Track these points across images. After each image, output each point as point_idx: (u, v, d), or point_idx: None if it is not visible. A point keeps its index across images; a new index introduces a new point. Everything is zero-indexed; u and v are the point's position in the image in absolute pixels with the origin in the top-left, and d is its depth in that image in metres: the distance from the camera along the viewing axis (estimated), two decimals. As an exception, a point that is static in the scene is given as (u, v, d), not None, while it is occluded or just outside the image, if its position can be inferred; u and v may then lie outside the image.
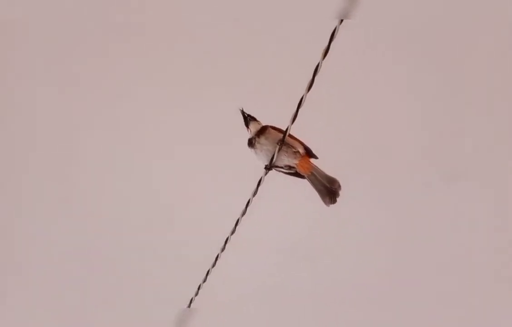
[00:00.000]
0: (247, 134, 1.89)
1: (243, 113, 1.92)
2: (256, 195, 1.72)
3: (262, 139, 1.80)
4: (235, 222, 1.83)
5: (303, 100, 1.23)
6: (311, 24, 2.36)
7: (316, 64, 1.13)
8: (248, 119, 1.91)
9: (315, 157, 1.84)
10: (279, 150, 1.70)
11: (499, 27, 2.52)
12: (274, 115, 1.80)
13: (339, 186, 1.81)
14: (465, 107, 2.63)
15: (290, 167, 1.83)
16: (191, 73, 2.71)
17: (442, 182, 2.70)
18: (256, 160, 1.83)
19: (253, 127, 1.87)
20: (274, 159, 1.71)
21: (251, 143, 1.85)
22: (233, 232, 1.84)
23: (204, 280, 2.04)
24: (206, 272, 2.02)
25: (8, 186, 2.84)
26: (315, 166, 1.83)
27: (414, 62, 2.61)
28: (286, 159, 1.78)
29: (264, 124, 1.89)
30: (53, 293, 2.93)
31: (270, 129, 1.83)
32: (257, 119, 1.91)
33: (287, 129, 1.43)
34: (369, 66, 2.52)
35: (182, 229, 2.90)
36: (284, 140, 1.67)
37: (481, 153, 2.66)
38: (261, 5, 2.51)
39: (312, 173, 1.82)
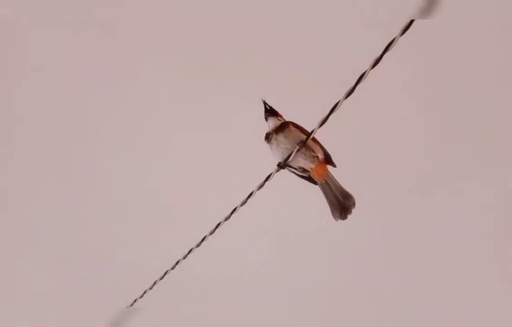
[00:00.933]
0: (249, 135, 1.87)
1: (265, 104, 1.86)
2: (261, 190, 1.64)
3: (281, 137, 1.73)
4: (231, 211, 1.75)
5: (338, 105, 1.21)
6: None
7: (361, 72, 1.12)
8: (269, 112, 1.84)
9: (333, 165, 1.77)
10: (298, 150, 1.64)
11: (499, 27, 2.54)
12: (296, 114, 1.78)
13: (354, 203, 1.74)
14: (465, 107, 2.65)
15: (304, 170, 1.75)
16: (193, 73, 2.69)
17: (442, 182, 2.72)
18: (271, 156, 1.76)
19: (272, 123, 1.81)
20: (290, 159, 1.65)
21: (267, 137, 1.79)
22: (227, 218, 1.76)
23: (184, 257, 1.96)
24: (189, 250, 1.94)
25: (8, 186, 2.81)
26: (331, 175, 1.76)
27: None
28: (302, 161, 1.71)
29: (286, 119, 1.83)
30: (52, 293, 2.91)
31: (292, 127, 1.76)
32: (280, 113, 1.84)
33: (312, 132, 1.40)
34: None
35: (182, 229, 2.89)
36: (306, 142, 1.62)
37: (481, 153, 2.68)
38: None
39: (326, 181, 1.75)
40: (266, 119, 1.85)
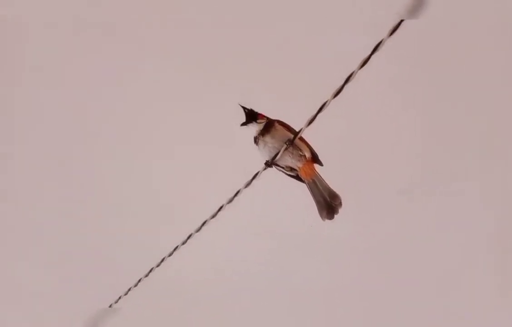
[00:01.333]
0: (250, 133, 1.86)
1: (244, 109, 1.85)
2: (248, 187, 1.68)
3: (267, 137, 1.74)
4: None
5: (325, 105, 1.20)
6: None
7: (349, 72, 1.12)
8: (249, 116, 1.84)
9: (320, 164, 1.78)
10: (285, 149, 1.65)
11: (499, 27, 2.52)
12: (284, 112, 1.78)
13: (340, 203, 1.76)
14: (458, 107, 2.63)
15: (291, 169, 1.77)
16: (192, 72, 2.68)
17: (441, 182, 2.70)
18: (259, 156, 1.77)
19: (255, 127, 1.81)
20: (277, 157, 1.67)
21: (255, 140, 1.80)
22: (213, 216, 1.79)
23: (170, 254, 2.00)
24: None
25: (8, 186, 2.82)
26: (318, 174, 1.77)
27: (414, 60, 2.60)
28: (289, 160, 1.73)
29: (272, 118, 1.82)
30: (52, 293, 2.91)
31: (278, 125, 1.77)
32: (262, 113, 1.84)
33: (299, 131, 1.41)
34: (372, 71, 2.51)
35: (182, 229, 2.88)
36: (293, 141, 1.63)
37: (481, 153, 2.66)
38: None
39: (313, 180, 1.76)
40: (248, 125, 1.84)
